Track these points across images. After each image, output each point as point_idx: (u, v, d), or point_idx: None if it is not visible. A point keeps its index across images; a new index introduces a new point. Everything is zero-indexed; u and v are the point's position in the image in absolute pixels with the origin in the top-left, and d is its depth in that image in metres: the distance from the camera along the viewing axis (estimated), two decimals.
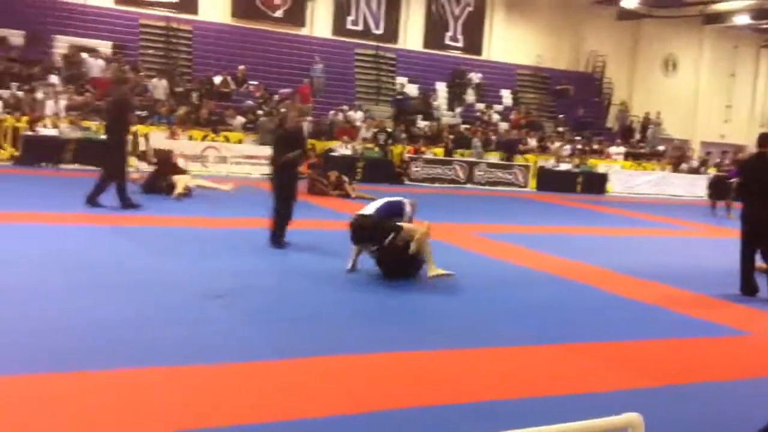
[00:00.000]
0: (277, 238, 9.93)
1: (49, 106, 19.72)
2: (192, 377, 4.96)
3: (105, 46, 24.17)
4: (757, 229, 9.15)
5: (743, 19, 32.59)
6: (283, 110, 19.10)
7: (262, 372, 5.20)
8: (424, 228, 8.38)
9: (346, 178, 17.80)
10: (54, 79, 21.28)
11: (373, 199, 9.86)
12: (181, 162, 18.04)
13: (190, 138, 20.31)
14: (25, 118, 18.90)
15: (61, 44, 23.74)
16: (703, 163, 28.77)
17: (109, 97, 13.04)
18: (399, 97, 27.04)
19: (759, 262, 9.45)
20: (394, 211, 8.60)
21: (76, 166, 18.14)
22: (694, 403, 5.35)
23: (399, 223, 8.37)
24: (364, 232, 8.48)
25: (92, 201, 12.12)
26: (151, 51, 25.55)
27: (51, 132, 18.42)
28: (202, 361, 5.23)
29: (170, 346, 5.56)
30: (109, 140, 12.42)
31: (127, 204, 12.25)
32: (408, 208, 8.71)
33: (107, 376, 4.85)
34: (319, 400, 4.73)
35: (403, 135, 24.20)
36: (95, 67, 22.72)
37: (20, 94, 19.86)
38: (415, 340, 6.21)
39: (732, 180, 20.90)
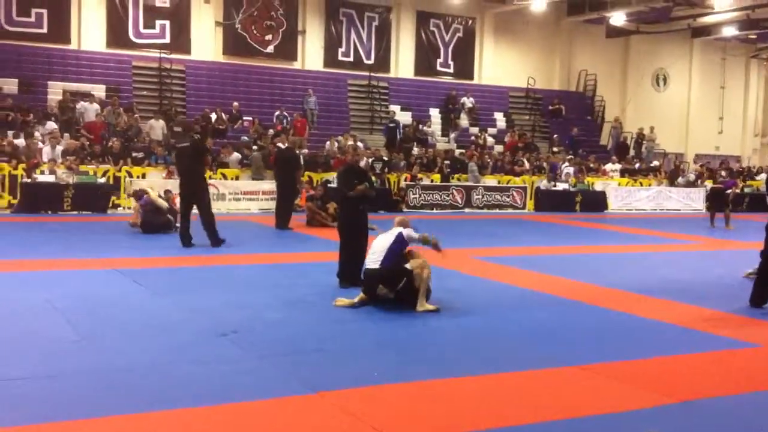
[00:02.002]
0: (344, 274, 9.68)
1: (46, 152, 19.79)
2: (208, 417, 4.94)
3: (99, 90, 24.34)
4: None
5: (731, 31, 32.84)
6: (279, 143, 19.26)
7: (281, 409, 5.16)
8: (427, 268, 8.39)
9: None
10: (52, 125, 21.37)
11: (373, 230, 9.86)
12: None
13: None
14: (22, 166, 18.96)
15: (55, 90, 23.91)
16: (700, 176, 28.85)
17: (181, 143, 13.94)
18: (391, 125, 27.12)
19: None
20: (397, 253, 8.53)
21: (74, 212, 18.18)
22: (712, 418, 5.33)
23: (407, 267, 8.37)
24: (375, 284, 8.49)
25: (218, 241, 12.97)
26: (145, 92, 25.73)
27: (49, 178, 18.46)
28: (220, 401, 5.21)
29: (183, 387, 5.53)
30: (193, 184, 12.99)
31: (217, 242, 12.98)
32: (406, 234, 8.67)
33: (125, 421, 4.82)
34: None
35: (402, 163, 24.25)
36: (90, 111, 22.84)
37: (20, 141, 19.93)
38: (429, 369, 6.17)
39: (729, 191, 20.99)
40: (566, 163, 26.44)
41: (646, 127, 32.66)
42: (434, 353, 6.81)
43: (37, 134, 20.75)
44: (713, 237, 18.08)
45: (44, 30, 24.93)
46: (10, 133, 20.36)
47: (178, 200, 17.46)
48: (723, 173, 28.72)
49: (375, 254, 8.58)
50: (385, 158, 23.99)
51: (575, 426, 5.01)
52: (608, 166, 28.60)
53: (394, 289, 8.42)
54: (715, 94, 37.87)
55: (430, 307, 8.34)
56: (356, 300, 8.47)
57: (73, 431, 4.67)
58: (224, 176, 21.24)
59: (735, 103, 38.55)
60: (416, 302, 8.29)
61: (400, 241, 8.58)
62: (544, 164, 26.67)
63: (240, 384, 5.67)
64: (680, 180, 28.37)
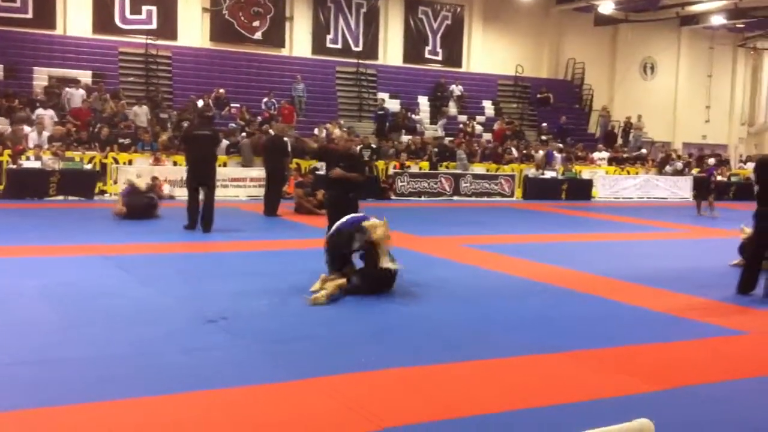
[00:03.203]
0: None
1: (32, 138, 19.65)
2: (199, 402, 4.92)
3: (85, 76, 24.16)
4: None
5: (719, 20, 32.92)
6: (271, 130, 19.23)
7: (272, 394, 5.15)
8: (381, 227, 8.45)
9: None
10: (41, 111, 21.22)
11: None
12: (166, 188, 18.03)
13: (175, 164, 20.24)
14: (7, 152, 18.81)
15: (41, 76, 23.72)
16: (687, 164, 28.96)
17: (199, 130, 14.17)
18: (380, 112, 27.10)
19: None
20: (356, 220, 8.64)
21: (60, 197, 18.09)
22: (701, 405, 5.36)
23: (361, 224, 8.46)
24: (330, 246, 8.58)
25: (210, 228, 13.18)
26: (131, 78, 25.54)
27: (35, 164, 18.32)
28: (207, 387, 5.19)
29: (172, 373, 5.51)
30: (210, 169, 13.52)
31: (210, 228, 13.24)
32: (371, 217, 8.73)
33: (115, 407, 4.79)
34: (331, 420, 4.71)
35: (391, 150, 24.20)
36: (76, 97, 22.68)
37: (6, 127, 19.78)
38: (416, 355, 6.17)
39: (711, 179, 21.15)
40: (554, 151, 26.53)
41: (633, 115, 32.73)
42: (422, 339, 6.80)
43: (33, 117, 20.65)
44: (700, 225, 18.16)
45: (29, 15, 24.69)
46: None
47: (164, 187, 17.49)
48: (711, 160, 28.85)
49: (335, 225, 8.78)
50: (374, 146, 23.93)
51: (564, 412, 5.02)
52: (596, 155, 28.67)
53: (349, 248, 8.43)
54: (702, 83, 37.98)
55: (392, 265, 8.39)
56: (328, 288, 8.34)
57: (61, 417, 4.63)
58: None
59: (722, 92, 38.66)
60: (378, 285, 8.35)
61: (362, 217, 8.70)
62: (540, 152, 26.63)
63: (229, 370, 5.64)
64: (668, 168, 28.46)
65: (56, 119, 21.33)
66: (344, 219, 8.75)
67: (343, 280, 8.27)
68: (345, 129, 23.71)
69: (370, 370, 5.75)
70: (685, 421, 4.95)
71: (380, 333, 7.04)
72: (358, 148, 22.54)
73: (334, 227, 8.77)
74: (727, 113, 38.99)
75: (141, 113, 22.77)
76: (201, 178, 13.37)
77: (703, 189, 21.01)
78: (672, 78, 37.23)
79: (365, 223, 8.46)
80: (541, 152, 26.64)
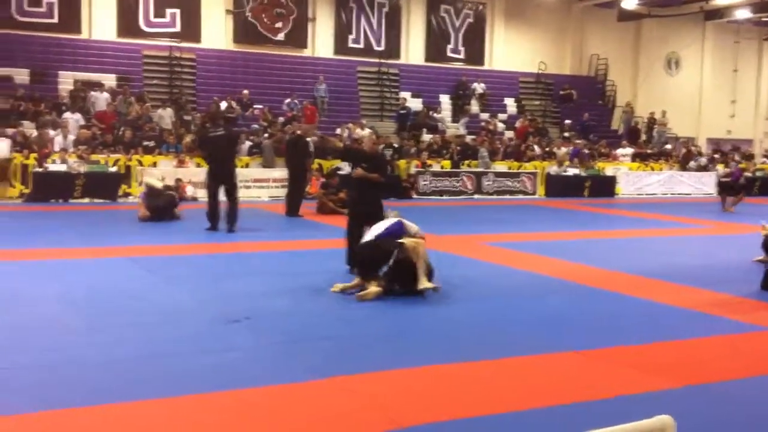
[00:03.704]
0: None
1: (58, 142, 19.89)
2: (222, 403, 4.98)
3: (109, 79, 24.41)
4: None
5: (744, 14, 32.61)
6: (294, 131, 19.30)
7: (293, 394, 5.20)
8: (421, 246, 8.38)
9: None
10: (67, 114, 21.47)
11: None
12: (189, 190, 18.19)
13: (198, 165, 20.39)
14: (33, 155, 19.06)
15: (66, 80, 23.99)
16: (711, 160, 28.69)
17: (214, 132, 14.39)
18: (402, 111, 27.12)
19: None
20: (393, 232, 8.54)
21: (86, 200, 18.30)
22: (723, 402, 5.34)
23: (399, 241, 8.38)
24: (367, 257, 8.46)
25: (234, 228, 13.32)
26: (155, 81, 25.75)
27: (60, 168, 18.55)
28: (232, 387, 5.24)
29: (195, 373, 5.58)
30: (229, 168, 13.87)
31: (233, 228, 13.40)
32: (408, 226, 8.69)
33: (140, 408, 4.86)
34: (353, 419, 4.75)
35: (413, 150, 24.21)
36: (101, 100, 22.92)
37: (32, 131, 20.04)
38: (436, 353, 6.20)
39: (740, 181, 20.95)
40: (571, 148, 26.46)
41: (657, 111, 32.49)
42: (443, 338, 6.82)
43: (71, 121, 20.94)
44: (724, 221, 18.01)
45: (55, 20, 24.97)
46: (26, 123, 20.47)
47: (188, 188, 17.66)
48: (736, 158, 28.54)
49: (372, 233, 8.61)
50: (396, 145, 23.97)
51: (585, 409, 5.02)
52: (619, 151, 28.49)
53: (386, 263, 8.32)
54: (727, 77, 37.60)
55: (430, 285, 8.27)
56: (351, 283, 8.46)
57: (86, 418, 4.70)
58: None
59: (748, 87, 38.25)
60: (415, 282, 8.24)
61: (399, 225, 8.61)
62: (562, 149, 26.49)
63: (252, 370, 5.71)
64: (692, 164, 28.24)
65: (82, 122, 21.54)
66: (381, 229, 8.58)
67: (380, 290, 8.20)
68: (370, 130, 23.74)
69: (391, 369, 5.79)
70: (706, 419, 4.93)
71: (401, 332, 7.08)
72: (381, 147, 22.61)
73: (371, 237, 8.58)
74: (752, 107, 38.56)
75: (166, 116, 22.99)
76: (221, 178, 13.54)
77: (731, 190, 20.82)
78: (697, 73, 36.90)
79: (405, 241, 8.33)
80: (563, 149, 26.53)
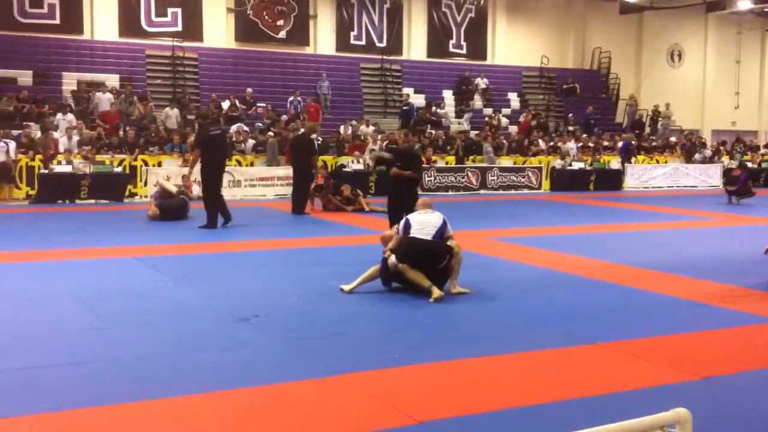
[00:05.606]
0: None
1: (63, 143, 19.90)
2: (233, 401, 4.97)
3: (112, 80, 24.42)
4: None
5: (746, 4, 32.53)
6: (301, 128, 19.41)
7: (304, 391, 5.19)
8: (460, 250, 8.35)
9: (360, 192, 17.86)
10: (70, 116, 21.46)
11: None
12: (195, 189, 18.17)
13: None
14: (39, 157, 19.07)
15: (69, 80, 24.01)
16: (716, 152, 28.62)
17: (213, 131, 14.82)
18: (405, 107, 27.07)
19: None
20: (442, 233, 8.42)
21: (91, 201, 18.31)
22: (738, 394, 5.32)
23: (450, 244, 8.33)
24: (419, 255, 8.26)
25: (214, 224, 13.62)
26: (158, 81, 25.77)
27: (65, 169, 18.55)
28: (242, 385, 5.23)
29: (206, 371, 5.57)
30: (224, 164, 14.61)
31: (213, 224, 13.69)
32: (449, 225, 8.61)
33: (150, 407, 4.85)
34: (365, 415, 4.74)
35: (417, 145, 24.14)
36: (104, 101, 22.92)
37: (36, 133, 20.03)
38: (447, 349, 6.19)
39: (748, 182, 20.86)
40: (572, 141, 26.42)
41: (661, 103, 32.42)
42: (453, 334, 6.81)
43: (61, 123, 20.89)
44: (731, 213, 17.97)
45: (57, 21, 25.00)
46: (31, 125, 20.48)
47: (194, 187, 17.64)
48: (746, 154, 28.38)
49: (425, 228, 8.37)
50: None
51: (599, 403, 5.00)
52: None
53: (437, 266, 8.26)
54: (731, 69, 37.53)
55: (464, 290, 8.29)
56: (358, 281, 8.39)
57: (96, 418, 4.69)
58: (239, 163, 21.27)
59: (751, 78, 38.18)
60: (447, 283, 8.25)
61: (445, 225, 8.48)
62: (567, 144, 26.42)
63: (262, 368, 5.70)
64: (697, 156, 28.18)
65: (75, 123, 21.39)
66: (434, 228, 8.34)
67: (442, 293, 8.04)
68: (401, 131, 23.55)
69: (402, 365, 5.77)
70: (721, 412, 4.91)
71: (411, 328, 7.06)
72: (384, 143, 22.61)
73: (425, 234, 8.32)
74: (756, 99, 38.49)
75: (172, 115, 23.02)
76: (219, 174, 13.96)
77: (734, 178, 20.74)
78: (700, 65, 36.83)
79: (455, 248, 8.26)
80: (568, 144, 26.48)
